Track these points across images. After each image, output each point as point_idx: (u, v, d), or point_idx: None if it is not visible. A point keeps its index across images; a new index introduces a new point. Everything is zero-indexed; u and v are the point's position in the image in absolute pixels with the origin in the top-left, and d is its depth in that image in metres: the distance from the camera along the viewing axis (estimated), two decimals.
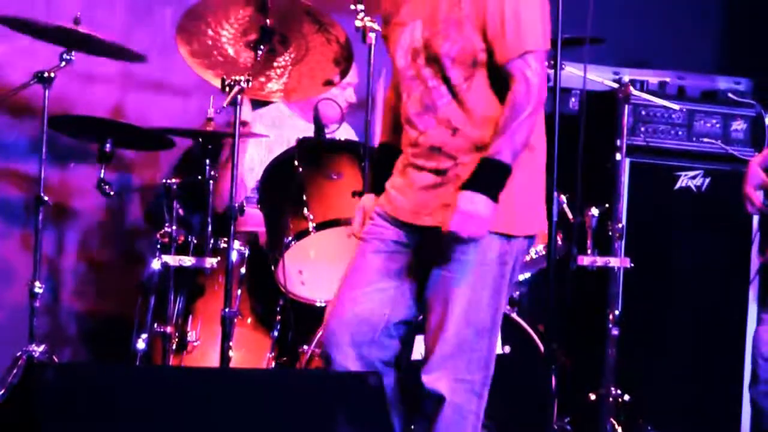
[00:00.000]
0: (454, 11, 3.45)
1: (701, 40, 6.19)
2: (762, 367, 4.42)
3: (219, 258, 4.57)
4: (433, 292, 3.52)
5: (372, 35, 4.41)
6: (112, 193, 4.69)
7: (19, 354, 4.56)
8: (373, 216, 3.64)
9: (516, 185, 3.48)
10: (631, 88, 5.01)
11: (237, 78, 4.12)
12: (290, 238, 4.41)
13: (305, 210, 4.42)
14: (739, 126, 5.48)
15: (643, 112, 5.37)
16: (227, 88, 4.12)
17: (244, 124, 4.57)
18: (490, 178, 3.41)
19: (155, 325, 4.63)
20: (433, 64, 3.50)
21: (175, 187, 4.62)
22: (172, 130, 4.80)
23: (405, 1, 3.59)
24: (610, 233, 4.95)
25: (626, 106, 5.01)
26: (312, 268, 4.55)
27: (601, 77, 5.14)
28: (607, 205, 4.97)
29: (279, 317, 4.69)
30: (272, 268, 4.51)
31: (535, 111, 3.42)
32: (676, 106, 5.23)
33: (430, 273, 3.53)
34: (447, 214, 3.43)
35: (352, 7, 4.44)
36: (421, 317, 3.62)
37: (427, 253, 3.55)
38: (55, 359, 4.61)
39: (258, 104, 5.20)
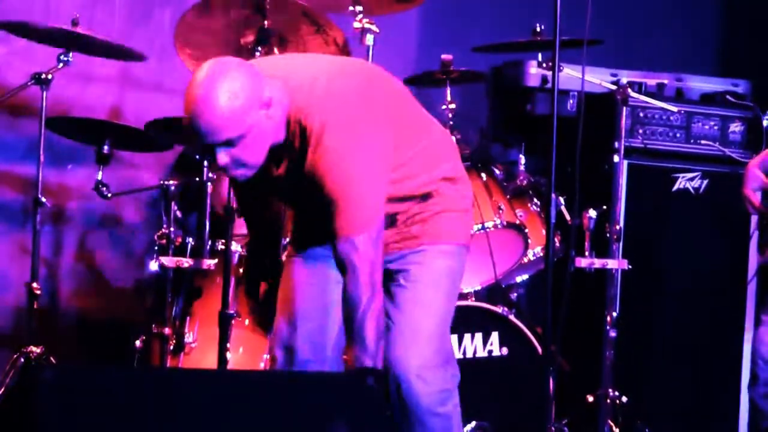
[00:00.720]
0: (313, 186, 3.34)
1: (699, 42, 6.19)
2: (761, 368, 4.42)
3: (217, 259, 4.57)
4: (396, 309, 3.45)
5: (370, 37, 4.41)
6: (109, 194, 4.69)
7: (17, 355, 4.55)
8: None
9: (461, 198, 3.55)
10: (629, 90, 5.01)
11: None
12: (288, 239, 4.40)
13: None
14: (736, 128, 5.48)
15: (641, 114, 5.37)
16: None
17: None
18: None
19: (153, 327, 4.63)
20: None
21: (172, 188, 4.62)
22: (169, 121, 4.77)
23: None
24: (608, 235, 4.94)
25: (624, 108, 5.00)
26: None
27: (599, 79, 5.14)
28: (605, 207, 4.96)
29: None
30: None
31: (373, 295, 3.24)
32: (674, 108, 5.23)
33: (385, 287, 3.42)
34: None
35: (351, 8, 4.45)
36: None
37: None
38: (53, 360, 4.60)
39: None
